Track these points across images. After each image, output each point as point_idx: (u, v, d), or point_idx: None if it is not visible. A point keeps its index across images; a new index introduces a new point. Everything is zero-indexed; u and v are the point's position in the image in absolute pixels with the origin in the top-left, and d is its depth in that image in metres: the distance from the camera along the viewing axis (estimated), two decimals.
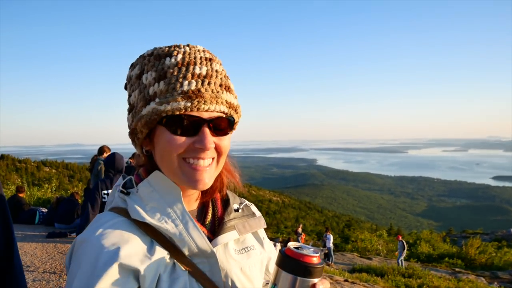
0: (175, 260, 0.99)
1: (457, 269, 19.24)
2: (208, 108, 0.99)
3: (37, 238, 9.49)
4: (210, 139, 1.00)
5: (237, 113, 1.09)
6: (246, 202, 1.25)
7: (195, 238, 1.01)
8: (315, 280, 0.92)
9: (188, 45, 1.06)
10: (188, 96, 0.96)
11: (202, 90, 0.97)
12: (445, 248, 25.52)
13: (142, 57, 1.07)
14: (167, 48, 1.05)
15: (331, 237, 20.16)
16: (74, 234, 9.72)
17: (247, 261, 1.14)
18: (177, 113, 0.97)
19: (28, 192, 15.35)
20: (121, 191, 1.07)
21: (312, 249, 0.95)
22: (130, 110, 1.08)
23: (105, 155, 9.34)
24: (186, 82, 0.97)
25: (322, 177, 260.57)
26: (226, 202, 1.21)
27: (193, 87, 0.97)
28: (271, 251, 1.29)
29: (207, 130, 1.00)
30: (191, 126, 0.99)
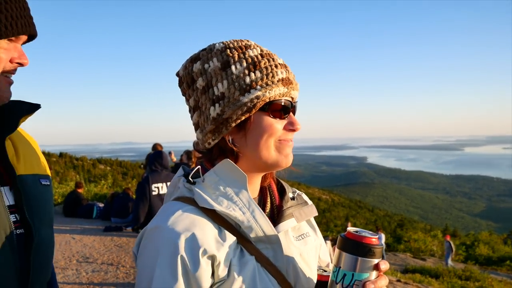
0: (241, 246, 1.04)
1: None
2: (294, 94, 1.13)
3: (95, 232, 9.87)
4: (298, 121, 1.13)
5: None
6: (298, 191, 1.30)
7: (262, 224, 1.06)
8: (376, 261, 0.96)
9: (248, 40, 1.16)
10: (284, 82, 1.08)
11: (290, 78, 1.10)
12: (506, 250, 24.37)
13: (216, 50, 1.12)
14: (240, 42, 1.14)
15: (383, 236, 19.75)
16: (129, 228, 10.05)
17: (304, 247, 1.20)
18: (278, 98, 1.08)
19: (86, 188, 16.02)
20: (188, 181, 1.11)
21: (369, 232, 0.99)
22: (216, 101, 1.10)
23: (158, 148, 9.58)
24: (279, 71, 1.07)
25: (373, 175, 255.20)
26: (281, 191, 1.27)
27: (284, 75, 1.08)
28: (322, 239, 1.34)
29: (292, 113, 1.13)
30: (286, 110, 1.10)
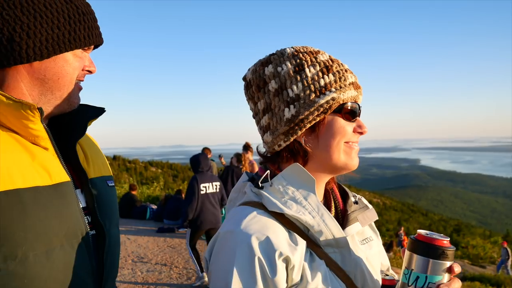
0: (311, 250, 1.04)
1: None
2: (360, 98, 1.16)
3: (149, 232, 10.16)
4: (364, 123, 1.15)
5: None
6: (357, 195, 1.30)
7: (332, 228, 1.06)
8: (448, 263, 0.95)
9: (313, 47, 1.19)
10: (355, 86, 1.12)
11: (358, 82, 1.14)
12: None
13: (288, 54, 1.15)
14: (307, 48, 1.18)
15: None
16: (181, 230, 10.20)
17: (369, 251, 1.20)
18: (350, 101, 1.11)
19: (139, 190, 16.45)
20: (256, 186, 1.12)
21: (440, 235, 0.99)
22: (291, 102, 1.12)
23: (209, 155, 9.75)
24: (349, 75, 1.11)
25: (426, 178, 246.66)
26: (343, 195, 1.28)
27: (353, 79, 1.12)
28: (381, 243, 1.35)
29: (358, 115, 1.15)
30: (355, 113, 1.12)
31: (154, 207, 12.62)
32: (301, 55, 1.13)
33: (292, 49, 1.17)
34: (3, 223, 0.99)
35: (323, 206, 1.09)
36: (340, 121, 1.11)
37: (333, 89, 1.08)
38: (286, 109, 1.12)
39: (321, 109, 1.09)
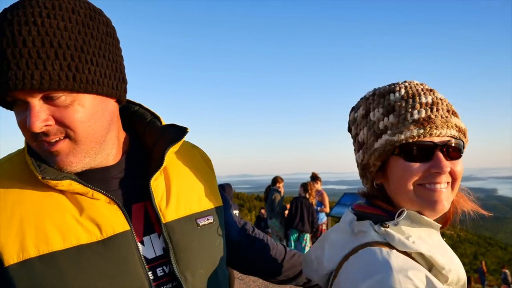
0: None
1: None
2: (440, 133, 1.03)
3: None
4: (445, 163, 1.03)
5: (465, 137, 1.11)
6: None
7: (459, 270, 1.04)
8: None
9: (406, 81, 1.14)
10: (420, 123, 1.02)
11: (432, 116, 1.03)
12: None
13: (364, 98, 1.17)
14: (387, 87, 1.13)
15: (508, 273, 17.87)
16: None
17: None
18: (410, 140, 1.03)
19: None
20: (382, 226, 1.06)
21: None
22: (359, 148, 1.15)
23: (278, 185, 9.95)
24: (415, 111, 1.03)
25: (504, 209, 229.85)
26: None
27: (423, 114, 1.03)
28: None
29: (440, 154, 1.03)
30: (425, 152, 1.03)
31: None
32: (370, 98, 1.13)
33: (371, 91, 1.16)
34: None
35: (448, 246, 1.08)
36: (402, 163, 1.05)
37: (389, 132, 1.05)
38: (357, 154, 1.16)
39: (377, 153, 1.07)
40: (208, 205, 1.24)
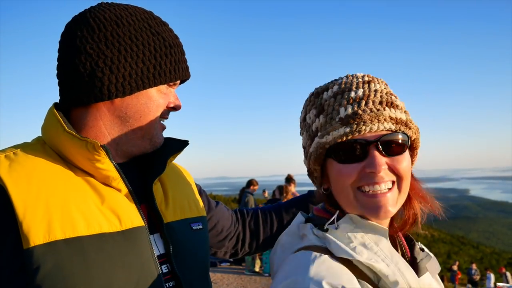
0: None
1: None
2: (371, 129, 0.94)
3: None
4: (381, 160, 0.95)
5: (410, 128, 1.01)
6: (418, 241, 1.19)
7: (409, 280, 0.95)
8: None
9: (347, 75, 1.06)
10: (346, 121, 0.94)
11: (360, 112, 0.95)
12: None
13: (306, 100, 1.11)
14: (324, 85, 1.07)
15: (492, 276, 18.19)
16: (224, 264, 10.31)
17: None
18: (339, 141, 0.95)
19: None
20: (320, 228, 1.00)
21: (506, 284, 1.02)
22: (304, 153, 1.11)
23: (252, 188, 9.89)
24: (342, 109, 0.96)
25: (476, 209, 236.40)
26: (408, 241, 1.16)
27: (349, 111, 0.95)
28: None
29: (375, 152, 0.95)
30: (358, 151, 0.95)
31: None
32: (308, 100, 1.09)
33: (314, 90, 1.09)
34: (64, 273, 0.92)
35: (398, 254, 0.99)
36: (336, 166, 0.99)
37: (319, 134, 0.99)
38: (304, 160, 1.12)
39: (313, 158, 1.02)
40: (197, 213, 1.31)
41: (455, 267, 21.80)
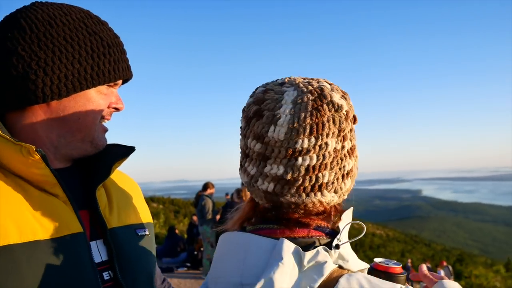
0: None
1: None
2: None
3: None
4: None
5: None
6: None
7: None
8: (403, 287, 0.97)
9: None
10: None
11: None
12: None
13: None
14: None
15: (442, 272, 18.98)
16: (181, 269, 10.24)
17: None
18: None
19: None
20: (335, 248, 0.89)
21: (394, 262, 1.07)
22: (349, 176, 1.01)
23: (209, 191, 9.85)
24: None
25: (428, 208, 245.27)
26: None
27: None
28: None
29: None
30: None
31: None
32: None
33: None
34: None
35: None
36: None
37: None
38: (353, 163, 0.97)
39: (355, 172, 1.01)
40: (143, 219, 1.30)
41: (409, 265, 22.59)
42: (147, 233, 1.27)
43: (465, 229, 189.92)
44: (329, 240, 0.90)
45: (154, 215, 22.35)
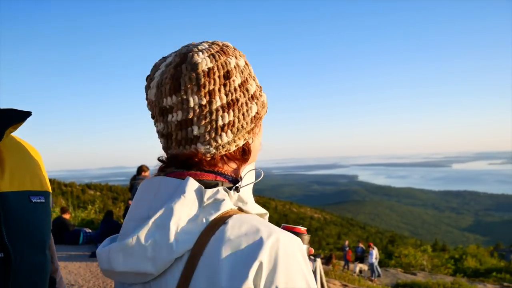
0: None
1: (505, 284, 18.34)
2: None
3: (81, 258, 9.79)
4: None
5: None
6: None
7: None
8: (306, 246, 1.10)
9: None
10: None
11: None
12: (493, 262, 24.55)
13: (235, 50, 1.07)
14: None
15: (374, 252, 19.82)
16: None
17: None
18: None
19: (73, 214, 15.91)
20: (235, 190, 0.96)
21: (299, 226, 1.12)
22: (253, 100, 1.07)
23: (143, 174, 9.60)
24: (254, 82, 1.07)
25: (364, 193, 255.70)
26: None
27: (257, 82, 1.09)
28: None
29: None
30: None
31: (89, 231, 12.26)
32: (244, 66, 1.02)
33: (231, 45, 1.06)
34: None
35: None
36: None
37: (260, 95, 1.05)
38: (253, 106, 1.02)
39: (267, 108, 1.08)
40: (40, 187, 1.24)
41: (346, 246, 23.41)
42: (43, 200, 1.22)
43: (397, 212, 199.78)
44: (232, 185, 0.98)
45: (91, 202, 21.67)
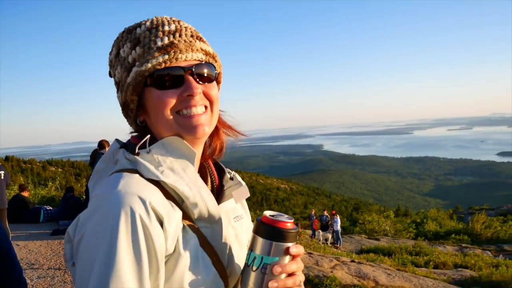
0: (183, 222, 1.00)
1: (463, 245, 19.21)
2: (186, 57, 1.04)
3: (42, 236, 9.55)
4: (196, 85, 1.04)
5: (216, 61, 1.14)
6: (232, 171, 1.27)
7: (208, 203, 1.03)
8: (289, 244, 0.96)
9: (155, 16, 1.13)
10: (164, 49, 1.03)
11: (175, 41, 1.04)
12: (452, 225, 25.44)
13: (116, 39, 1.14)
14: (136, 23, 1.12)
15: (339, 220, 20.20)
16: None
17: (240, 229, 1.18)
18: (158, 68, 1.02)
19: (33, 192, 15.41)
20: (131, 152, 1.05)
21: (286, 216, 1.00)
22: (118, 88, 1.13)
23: (107, 149, 9.34)
24: (159, 39, 1.04)
25: (329, 162, 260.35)
26: (219, 171, 1.25)
27: (166, 41, 1.04)
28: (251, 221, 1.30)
29: (190, 78, 1.05)
30: (175, 77, 1.04)
31: (50, 208, 11.90)
32: (119, 37, 1.12)
33: (123, 29, 1.14)
34: None
35: (201, 180, 1.06)
36: (155, 93, 1.05)
37: (137, 63, 1.04)
38: (118, 95, 1.13)
39: (131, 88, 1.06)
40: None
41: (313, 215, 23.71)
42: None
43: (362, 180, 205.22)
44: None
45: (52, 179, 21.00)
